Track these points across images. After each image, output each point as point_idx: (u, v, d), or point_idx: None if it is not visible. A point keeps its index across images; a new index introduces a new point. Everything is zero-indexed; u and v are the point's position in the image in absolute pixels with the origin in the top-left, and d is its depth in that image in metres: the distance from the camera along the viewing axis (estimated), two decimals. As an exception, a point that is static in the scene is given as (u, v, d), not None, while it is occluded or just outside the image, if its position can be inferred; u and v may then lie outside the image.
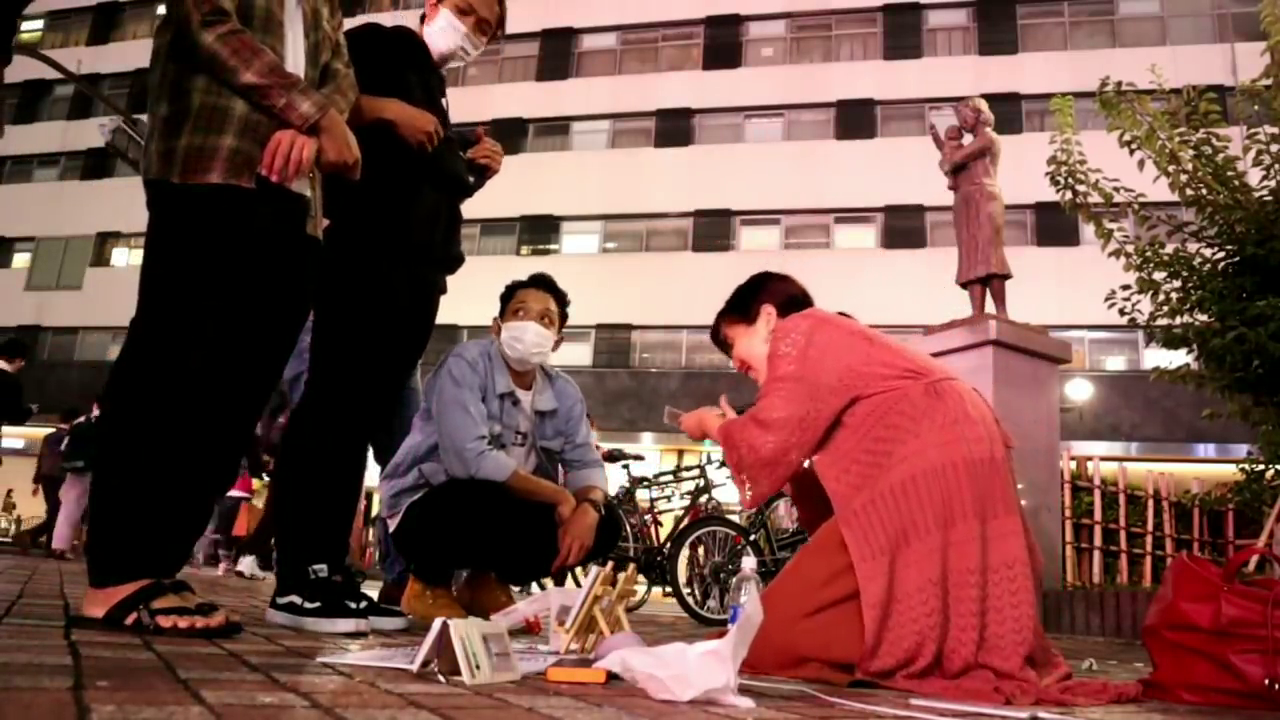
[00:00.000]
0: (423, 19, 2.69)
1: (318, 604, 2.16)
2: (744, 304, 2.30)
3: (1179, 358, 6.31)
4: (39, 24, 28.29)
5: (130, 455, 1.80)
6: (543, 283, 3.03)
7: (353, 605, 2.24)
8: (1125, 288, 6.15)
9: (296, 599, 2.18)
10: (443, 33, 2.63)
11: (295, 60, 2.00)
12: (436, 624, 1.41)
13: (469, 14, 2.62)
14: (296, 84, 1.88)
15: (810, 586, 1.94)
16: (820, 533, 2.02)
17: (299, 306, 2.06)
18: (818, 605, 1.90)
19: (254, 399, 2.00)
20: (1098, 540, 6.43)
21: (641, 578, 5.71)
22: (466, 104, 25.12)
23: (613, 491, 4.68)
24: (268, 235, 1.92)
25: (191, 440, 1.84)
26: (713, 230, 21.74)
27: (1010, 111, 18.34)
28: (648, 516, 6.24)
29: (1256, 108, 6.10)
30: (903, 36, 22.22)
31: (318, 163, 1.93)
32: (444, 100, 2.70)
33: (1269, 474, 6.56)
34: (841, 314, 2.25)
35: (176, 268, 1.85)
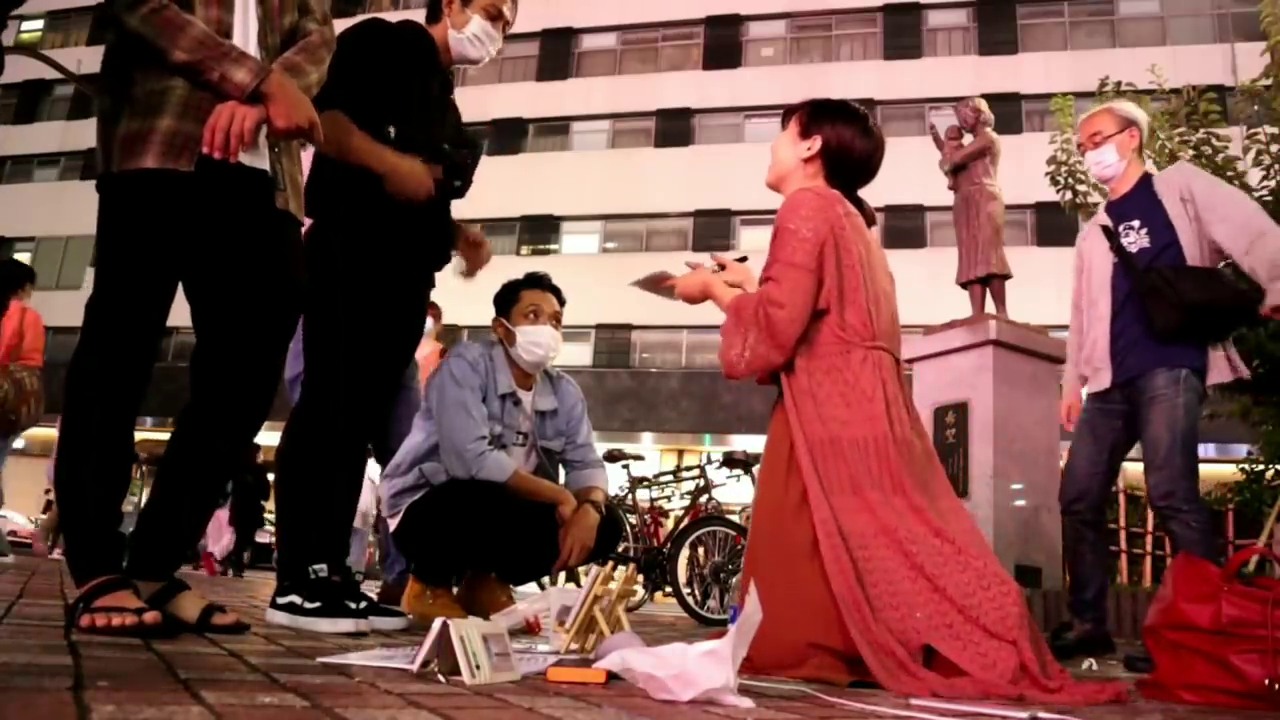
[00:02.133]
0: (434, 16, 2.60)
1: (318, 604, 2.15)
2: (812, 117, 2.29)
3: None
4: (39, 24, 28.28)
5: (82, 452, 1.77)
6: (544, 283, 3.05)
7: (353, 605, 2.24)
8: (1125, 288, 6.15)
9: (297, 599, 2.18)
10: (475, 41, 2.55)
11: (246, 27, 1.89)
12: (436, 624, 1.41)
13: (498, 19, 2.58)
14: (229, 53, 1.76)
15: (783, 522, 2.01)
16: (769, 462, 2.12)
17: (277, 283, 1.95)
18: (800, 550, 1.95)
19: (246, 389, 1.93)
20: (1098, 540, 6.42)
21: (640, 578, 5.71)
22: (466, 104, 24.89)
23: (613, 491, 4.68)
24: (215, 216, 1.83)
25: (109, 437, 1.78)
26: (713, 230, 21.74)
27: (1010, 111, 18.35)
28: (648, 516, 6.25)
29: (1256, 108, 6.10)
30: (903, 36, 22.22)
31: (271, 132, 1.82)
32: (451, 98, 2.66)
33: (1269, 474, 6.56)
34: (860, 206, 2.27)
35: (118, 258, 1.79)
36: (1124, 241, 3.14)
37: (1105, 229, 3.23)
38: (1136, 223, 3.13)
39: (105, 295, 1.79)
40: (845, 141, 2.25)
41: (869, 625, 1.81)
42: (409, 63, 2.47)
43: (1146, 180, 3.21)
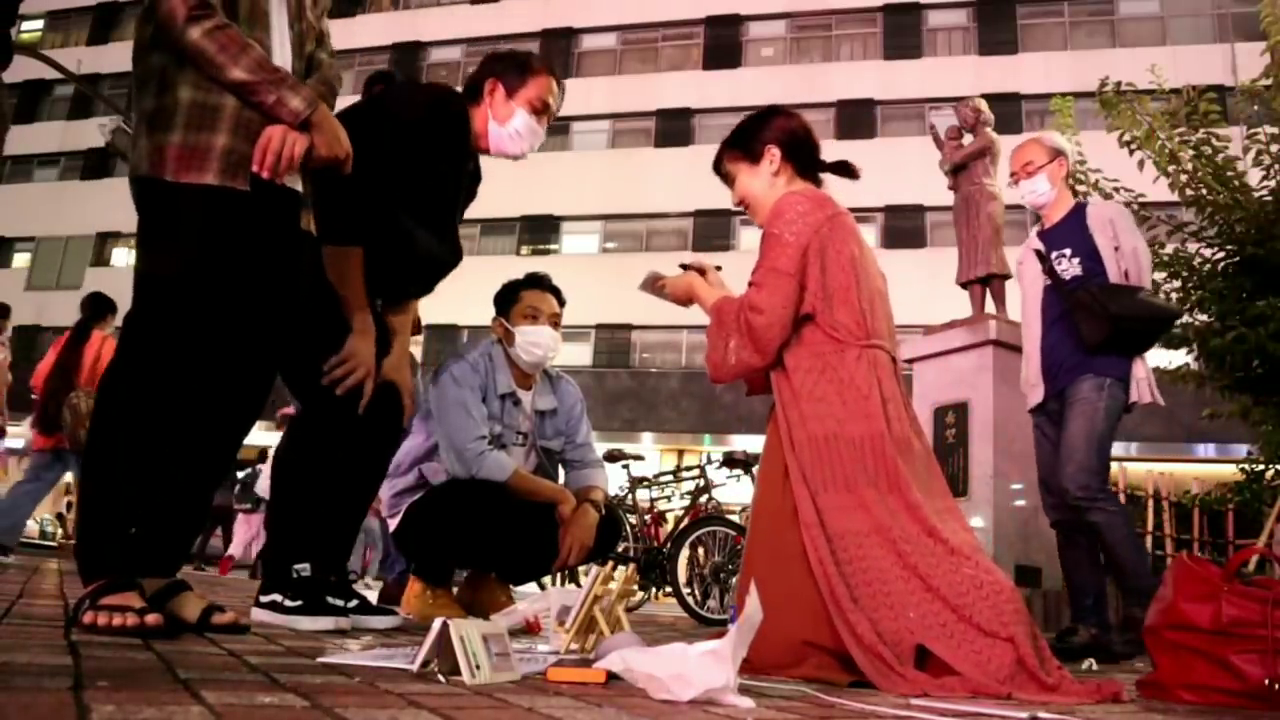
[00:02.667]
0: (474, 97, 2.44)
1: (299, 603, 2.16)
2: (748, 141, 2.28)
3: (1179, 358, 6.31)
4: (39, 24, 28.29)
5: (116, 454, 1.77)
6: (544, 283, 3.05)
7: (340, 603, 2.24)
8: (1125, 288, 6.15)
9: (279, 597, 2.19)
10: (517, 136, 2.41)
11: (282, 52, 1.96)
12: (436, 624, 1.41)
13: (544, 112, 2.45)
14: (285, 79, 1.83)
15: (780, 534, 2.01)
16: (766, 463, 2.13)
17: (288, 298, 2.02)
18: (795, 552, 1.96)
19: (252, 396, 1.99)
20: (1098, 540, 6.42)
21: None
22: (466, 104, 25.06)
23: (613, 491, 4.69)
24: (263, 235, 1.89)
25: (182, 440, 1.82)
26: (713, 230, 21.74)
27: (1010, 111, 18.32)
28: (648, 516, 6.25)
29: (1256, 108, 6.10)
30: (903, 36, 22.22)
31: (309, 158, 1.89)
32: (472, 183, 2.54)
33: (1269, 474, 6.56)
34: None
35: (173, 268, 1.81)
36: (1057, 269, 3.32)
37: (1038, 253, 3.39)
38: (1069, 251, 3.32)
39: (155, 303, 1.81)
40: (788, 129, 2.27)
41: (854, 627, 1.82)
42: (444, 154, 2.31)
43: (1080, 211, 3.40)
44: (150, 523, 1.89)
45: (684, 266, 2.39)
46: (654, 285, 2.39)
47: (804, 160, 2.28)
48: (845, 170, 2.31)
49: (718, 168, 2.36)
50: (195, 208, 1.80)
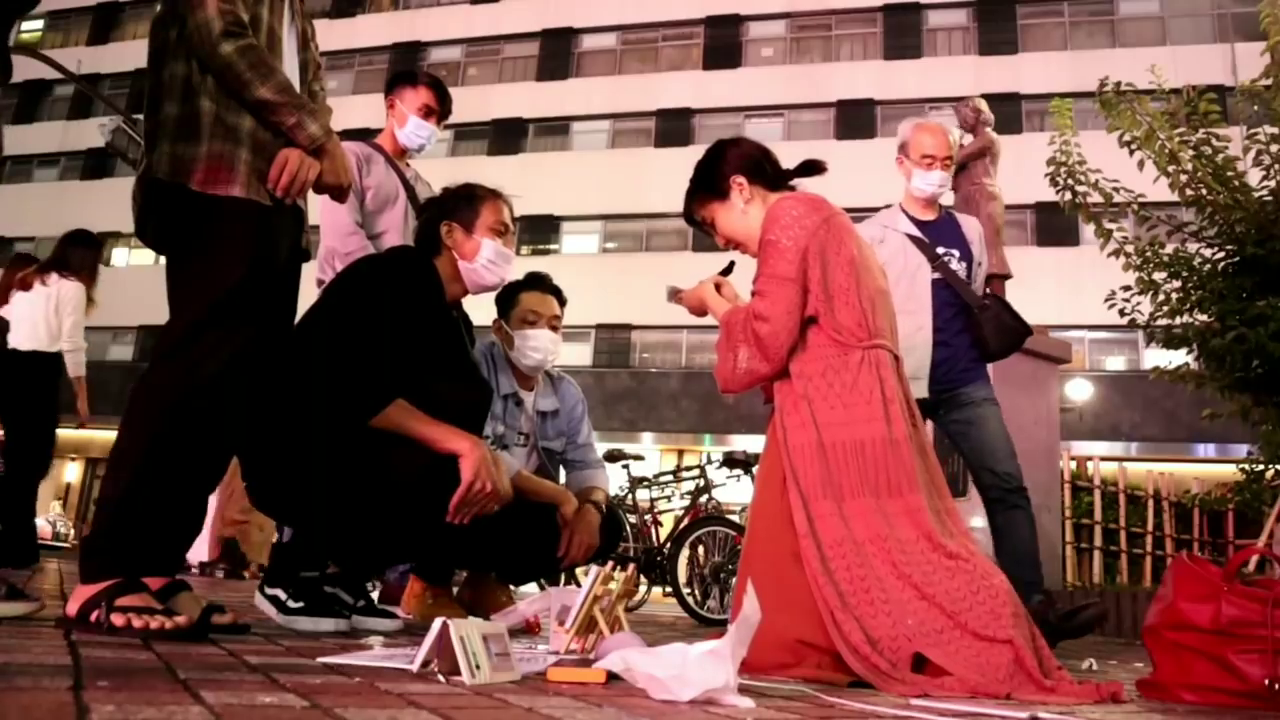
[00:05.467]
0: (432, 248, 2.38)
1: (301, 604, 2.17)
2: (712, 181, 2.27)
3: (1179, 358, 6.30)
4: (39, 24, 28.28)
5: (145, 456, 1.78)
6: (544, 284, 3.05)
7: (347, 599, 2.24)
8: (1125, 288, 6.15)
9: (282, 594, 2.20)
10: (491, 266, 2.37)
11: (291, 78, 2.02)
12: (436, 624, 1.41)
13: (505, 232, 2.42)
14: (305, 105, 1.92)
15: (776, 537, 2.01)
16: (765, 466, 2.13)
17: (287, 312, 2.10)
18: (790, 554, 1.96)
19: (249, 404, 2.01)
20: (1098, 540, 6.44)
21: (642, 578, 5.71)
22: (467, 104, 25.10)
23: (613, 492, 4.69)
24: (280, 248, 1.97)
25: (200, 444, 1.84)
26: (713, 230, 21.74)
27: (1010, 111, 18.34)
28: (648, 516, 6.25)
29: (1256, 108, 6.09)
30: (903, 36, 22.22)
31: (316, 183, 1.97)
32: (460, 334, 2.44)
33: (1269, 474, 6.55)
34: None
35: (235, 276, 1.84)
36: (949, 267, 3.35)
37: (919, 243, 3.35)
38: (956, 253, 3.37)
39: (221, 313, 1.83)
40: (743, 154, 2.26)
41: (842, 628, 1.83)
42: (422, 320, 2.25)
43: (953, 217, 3.47)
44: (154, 523, 1.90)
45: (725, 272, 2.38)
46: (675, 298, 2.41)
47: (770, 177, 2.27)
48: (812, 170, 2.30)
49: (689, 218, 2.34)
50: (226, 217, 1.84)
